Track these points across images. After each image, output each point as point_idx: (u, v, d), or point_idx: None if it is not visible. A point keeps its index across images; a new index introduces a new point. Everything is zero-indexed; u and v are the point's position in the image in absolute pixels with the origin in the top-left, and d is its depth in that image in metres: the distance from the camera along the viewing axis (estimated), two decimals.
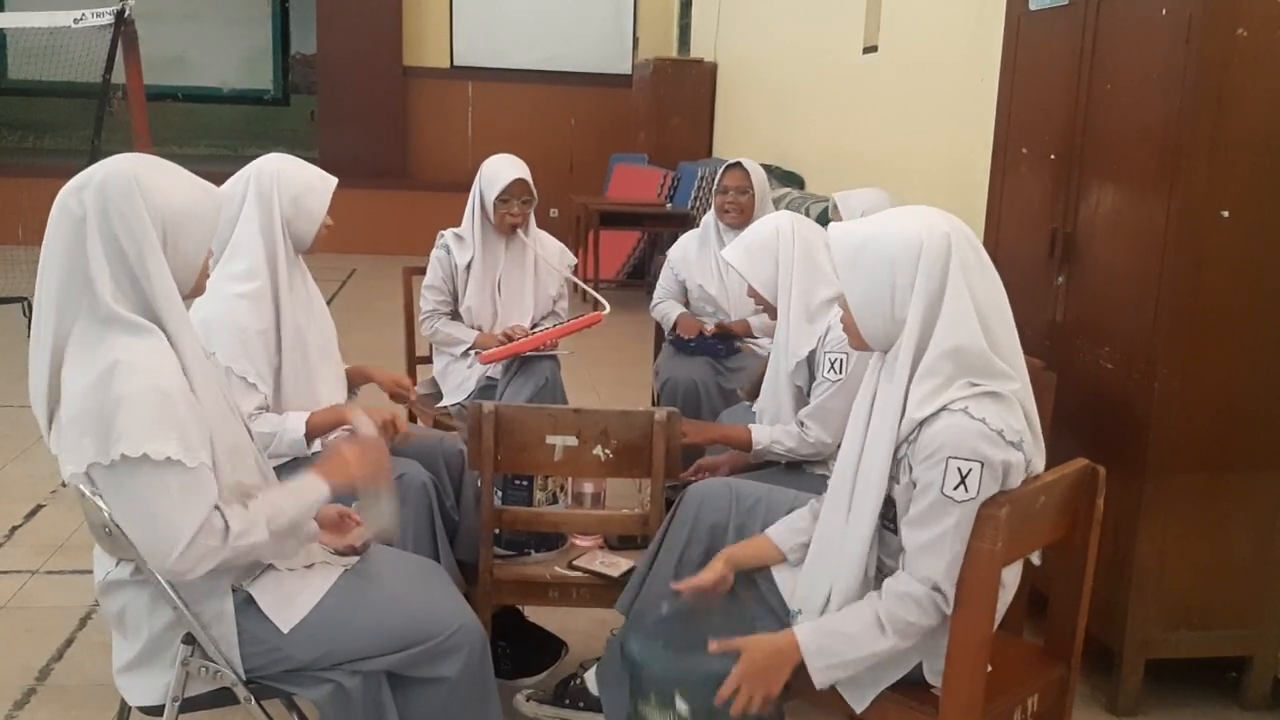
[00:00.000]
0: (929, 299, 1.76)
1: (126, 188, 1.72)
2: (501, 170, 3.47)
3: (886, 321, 1.80)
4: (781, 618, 2.01)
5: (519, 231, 3.53)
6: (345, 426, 2.38)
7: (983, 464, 1.70)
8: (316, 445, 2.45)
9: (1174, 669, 2.75)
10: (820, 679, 1.81)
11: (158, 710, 1.86)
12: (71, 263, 1.72)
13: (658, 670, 1.85)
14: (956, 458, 1.70)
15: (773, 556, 2.08)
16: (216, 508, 1.72)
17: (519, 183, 3.46)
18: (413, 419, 3.63)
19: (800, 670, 1.97)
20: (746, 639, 1.84)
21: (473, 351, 3.48)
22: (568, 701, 2.49)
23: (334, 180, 2.58)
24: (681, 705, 1.82)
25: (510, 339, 3.41)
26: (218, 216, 1.88)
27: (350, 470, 1.96)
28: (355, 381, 2.76)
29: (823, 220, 4.54)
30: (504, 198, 3.47)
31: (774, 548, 2.08)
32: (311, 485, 1.89)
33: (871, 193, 3.78)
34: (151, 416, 1.65)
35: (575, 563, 2.55)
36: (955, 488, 1.70)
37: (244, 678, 1.85)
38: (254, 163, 2.52)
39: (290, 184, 2.50)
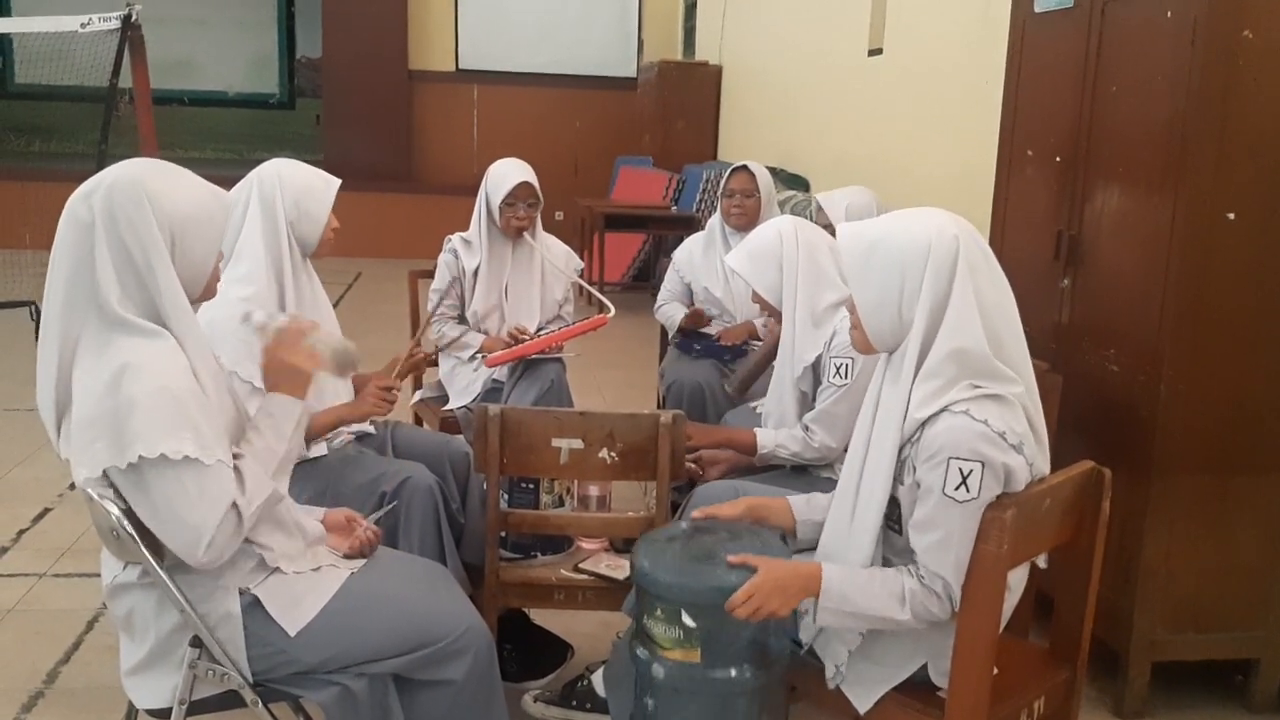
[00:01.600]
0: (935, 300, 1.76)
1: (134, 193, 1.73)
2: (507, 174, 3.48)
3: (894, 323, 1.81)
4: None
5: (525, 235, 3.54)
6: (351, 431, 2.38)
7: (984, 464, 1.70)
8: (315, 449, 2.45)
9: (1180, 672, 2.75)
10: (822, 618, 1.82)
11: (165, 713, 1.87)
12: (79, 268, 1.73)
13: (664, 580, 1.84)
14: (957, 458, 1.71)
15: (787, 522, 2.09)
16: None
17: (524, 186, 3.47)
18: (419, 422, 3.64)
19: (805, 671, 1.98)
20: (766, 557, 1.85)
21: (479, 355, 3.48)
22: (575, 703, 2.50)
23: (337, 182, 2.59)
24: (687, 619, 1.82)
25: (516, 340, 3.42)
26: (226, 220, 1.89)
27: (299, 368, 1.95)
28: (358, 387, 2.75)
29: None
30: (509, 201, 3.47)
31: (790, 514, 2.09)
32: (284, 406, 1.91)
33: (855, 190, 3.76)
34: (164, 417, 1.67)
35: (581, 565, 2.56)
36: (956, 488, 1.71)
37: (251, 680, 1.85)
38: (257, 168, 2.53)
39: (292, 186, 2.50)
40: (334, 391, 2.54)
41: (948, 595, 1.76)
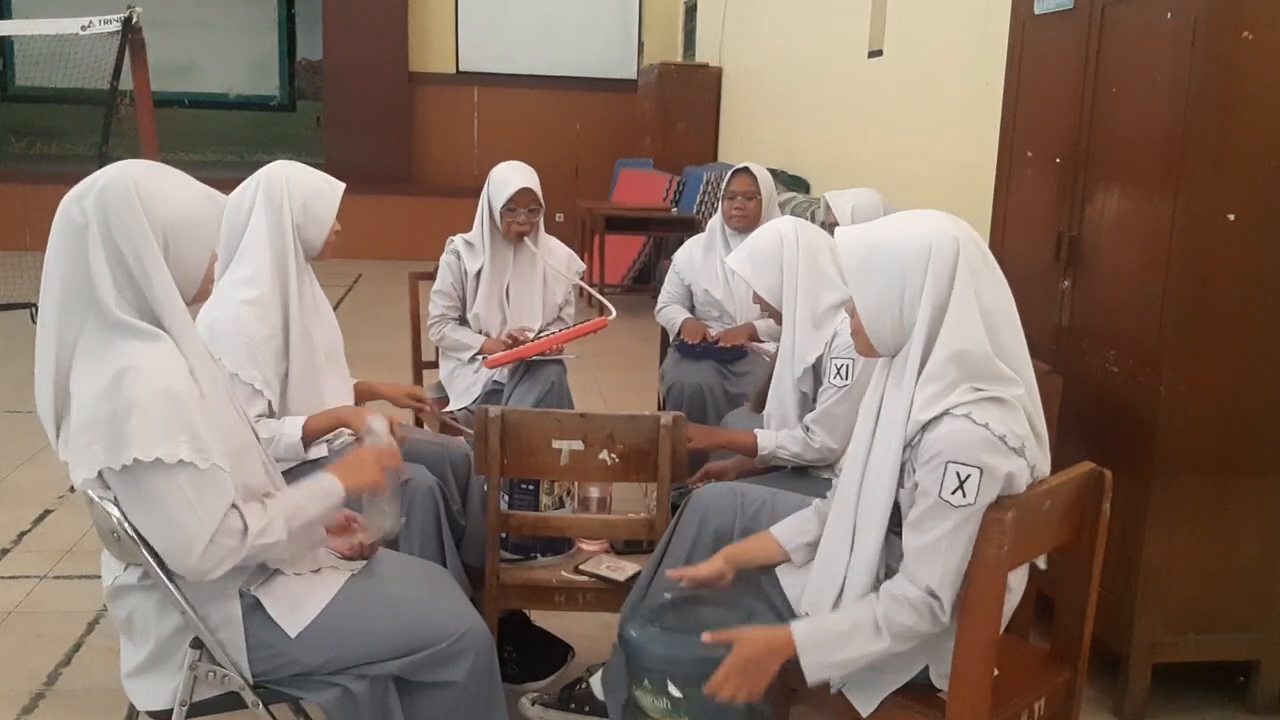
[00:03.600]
0: (936, 303, 1.76)
1: (126, 196, 1.73)
2: (509, 178, 3.48)
3: (895, 326, 1.80)
4: (782, 613, 2.02)
5: (526, 240, 3.53)
6: (351, 430, 2.39)
7: (982, 470, 1.69)
8: (314, 451, 2.45)
9: (1181, 673, 2.75)
10: (812, 676, 1.82)
11: (166, 715, 1.87)
12: (74, 270, 1.73)
13: (652, 653, 1.86)
14: (956, 462, 1.70)
15: (776, 555, 2.09)
16: (235, 507, 1.74)
17: (525, 192, 3.47)
18: (419, 424, 3.64)
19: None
20: (742, 631, 1.85)
21: (479, 356, 3.48)
22: (573, 706, 2.49)
23: (342, 185, 2.59)
24: (674, 690, 1.83)
25: (516, 342, 3.42)
26: (220, 221, 1.89)
27: (370, 475, 1.98)
28: (362, 398, 2.75)
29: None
30: (510, 206, 3.47)
31: (778, 546, 2.08)
32: (330, 487, 1.91)
33: (863, 192, 3.78)
34: (162, 420, 1.66)
35: (581, 567, 2.56)
36: (953, 492, 1.70)
37: (251, 682, 1.86)
38: (262, 170, 2.53)
39: (300, 189, 2.51)
40: (335, 399, 2.55)
41: (925, 605, 1.74)
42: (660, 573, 2.25)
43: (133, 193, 1.73)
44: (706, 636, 1.83)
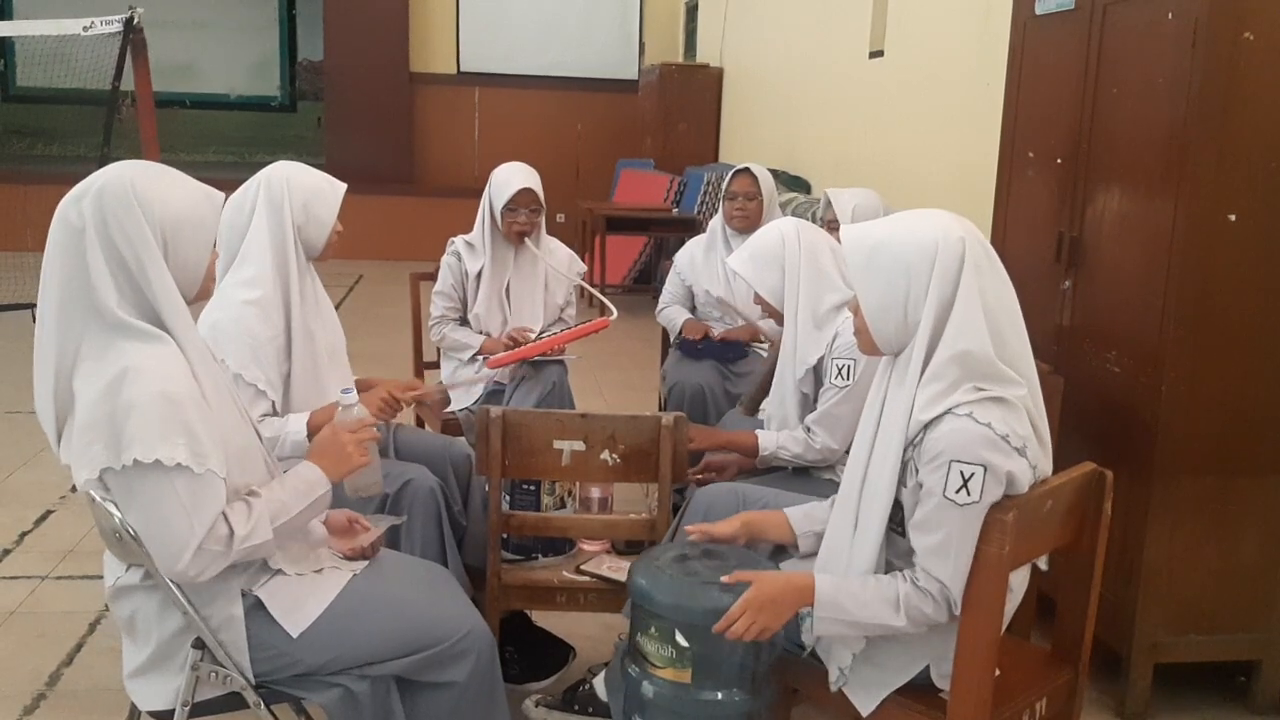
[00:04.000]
0: (941, 303, 1.76)
1: (124, 197, 1.73)
2: (510, 179, 3.47)
3: (900, 326, 1.80)
4: None
5: (527, 241, 3.53)
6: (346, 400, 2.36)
7: (985, 468, 1.70)
8: None
9: (1182, 673, 2.75)
10: (820, 628, 1.83)
11: (168, 715, 1.87)
12: (73, 272, 1.73)
13: (660, 600, 1.85)
14: (959, 461, 1.71)
15: (785, 537, 2.10)
16: (222, 513, 1.73)
17: (526, 192, 3.46)
18: (421, 424, 3.64)
19: (807, 674, 1.98)
20: (761, 572, 1.87)
21: (480, 357, 3.48)
22: (577, 708, 2.49)
23: (343, 186, 2.59)
24: (680, 639, 1.83)
25: (517, 343, 3.42)
26: (218, 219, 1.89)
27: (351, 459, 1.96)
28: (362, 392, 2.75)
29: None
30: (511, 207, 3.47)
31: (789, 529, 2.09)
32: (314, 480, 1.90)
33: (864, 192, 3.78)
34: (161, 422, 1.67)
35: (583, 567, 2.56)
36: (957, 491, 1.71)
37: (254, 682, 1.86)
38: (263, 171, 2.53)
39: (301, 190, 2.50)
40: (337, 394, 2.54)
41: (944, 598, 1.76)
42: None
43: (130, 193, 1.73)
44: (726, 578, 1.85)
